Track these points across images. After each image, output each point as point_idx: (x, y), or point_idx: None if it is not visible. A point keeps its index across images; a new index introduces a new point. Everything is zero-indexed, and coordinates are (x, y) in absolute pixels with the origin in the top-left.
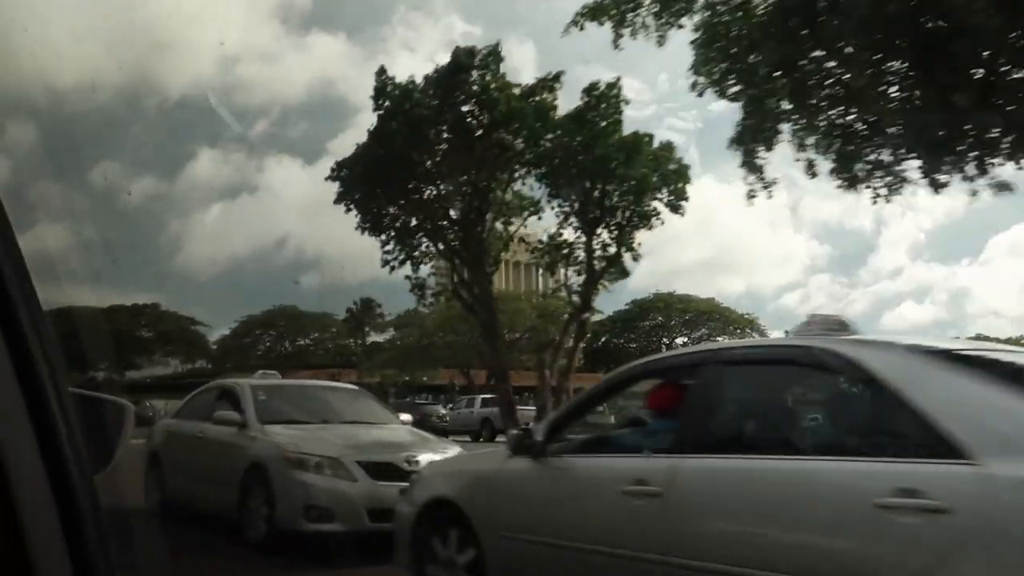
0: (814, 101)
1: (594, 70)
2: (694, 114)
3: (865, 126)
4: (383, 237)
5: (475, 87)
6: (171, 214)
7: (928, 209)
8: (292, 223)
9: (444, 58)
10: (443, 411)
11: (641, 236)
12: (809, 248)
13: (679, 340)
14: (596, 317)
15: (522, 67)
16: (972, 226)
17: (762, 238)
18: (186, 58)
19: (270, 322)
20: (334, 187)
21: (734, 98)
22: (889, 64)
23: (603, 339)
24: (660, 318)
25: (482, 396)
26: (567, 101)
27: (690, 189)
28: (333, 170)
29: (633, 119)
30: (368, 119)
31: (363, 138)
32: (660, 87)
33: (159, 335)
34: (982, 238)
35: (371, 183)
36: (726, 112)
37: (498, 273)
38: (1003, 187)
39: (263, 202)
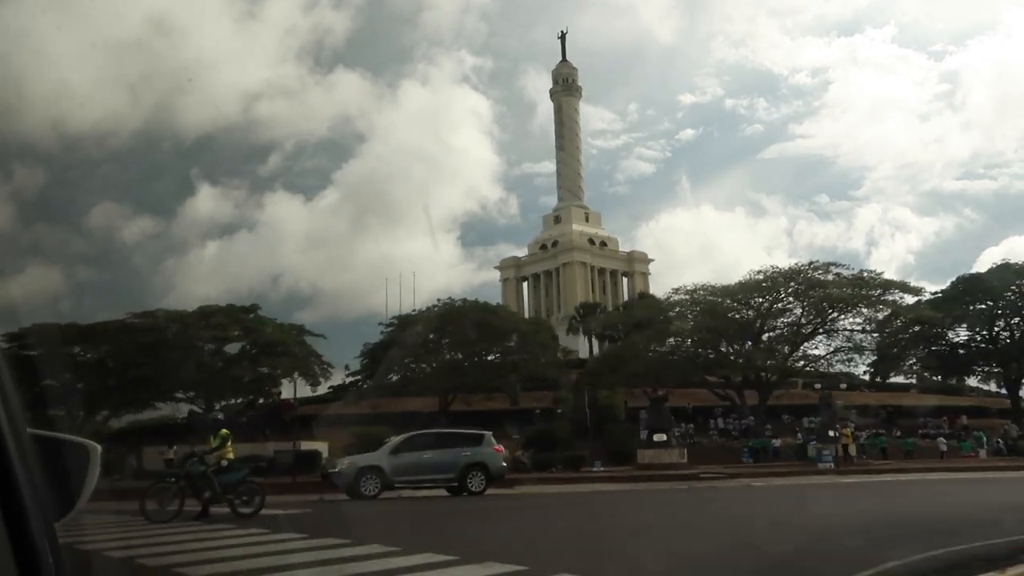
0: None
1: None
2: (662, 143)
3: None
4: None
5: None
6: (169, 252)
7: (918, 230)
8: (289, 259)
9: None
10: None
11: None
12: None
13: None
14: (912, 298)
15: (538, 98)
16: (961, 246)
17: (758, 261)
18: (209, 95)
19: (453, 319)
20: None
21: None
22: None
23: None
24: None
25: None
26: None
27: (691, 217)
28: None
29: (603, 149)
30: (375, 148)
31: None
32: (630, 117)
33: (264, 347)
34: (972, 257)
35: None
36: (693, 141)
37: None
38: None
39: (262, 238)
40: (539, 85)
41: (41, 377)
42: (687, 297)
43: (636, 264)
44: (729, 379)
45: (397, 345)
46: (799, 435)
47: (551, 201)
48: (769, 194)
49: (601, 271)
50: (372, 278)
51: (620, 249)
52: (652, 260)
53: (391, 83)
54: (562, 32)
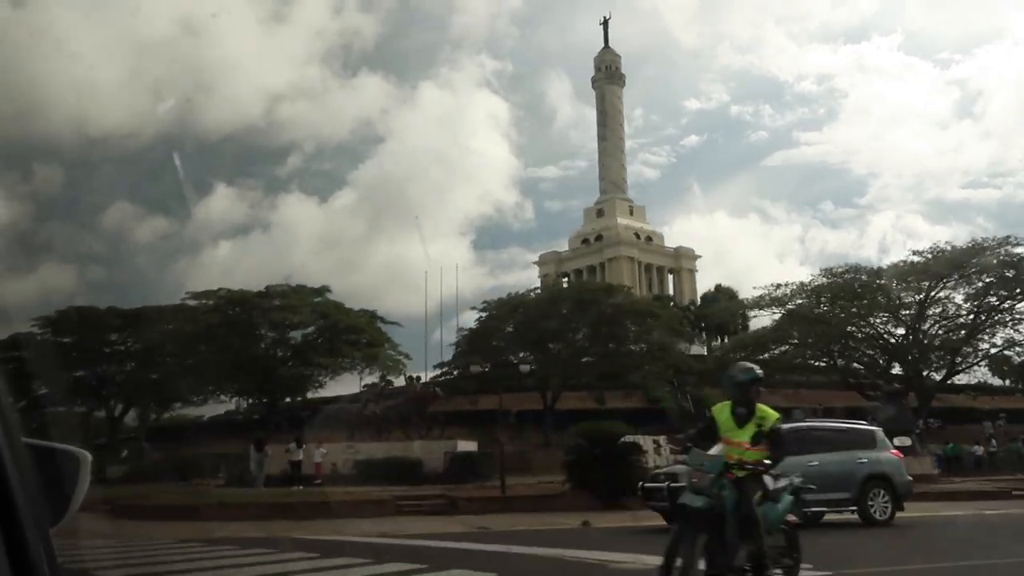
0: None
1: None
2: (667, 149)
3: None
4: None
5: None
6: (181, 252)
7: (930, 237)
8: (300, 259)
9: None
10: None
11: None
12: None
13: None
14: None
15: (558, 102)
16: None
17: (770, 268)
18: (233, 97)
19: (575, 300)
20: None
21: None
22: None
23: None
24: None
25: None
26: None
27: (705, 223)
28: None
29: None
30: (391, 148)
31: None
32: (635, 122)
33: (340, 333)
34: None
35: None
36: (697, 147)
37: None
38: None
39: (275, 239)
40: (559, 89)
41: (60, 372)
42: (829, 281)
43: (683, 260)
44: (889, 377)
45: (499, 333)
46: (993, 442)
47: (555, 206)
48: (774, 201)
49: (647, 267)
50: (382, 280)
51: (666, 244)
52: (699, 256)
53: (414, 85)
54: (605, 18)
